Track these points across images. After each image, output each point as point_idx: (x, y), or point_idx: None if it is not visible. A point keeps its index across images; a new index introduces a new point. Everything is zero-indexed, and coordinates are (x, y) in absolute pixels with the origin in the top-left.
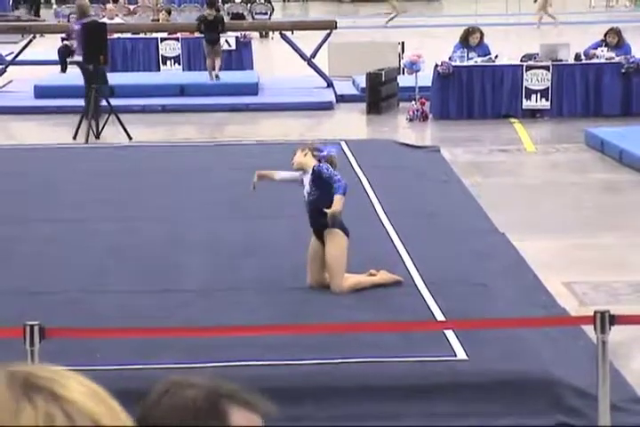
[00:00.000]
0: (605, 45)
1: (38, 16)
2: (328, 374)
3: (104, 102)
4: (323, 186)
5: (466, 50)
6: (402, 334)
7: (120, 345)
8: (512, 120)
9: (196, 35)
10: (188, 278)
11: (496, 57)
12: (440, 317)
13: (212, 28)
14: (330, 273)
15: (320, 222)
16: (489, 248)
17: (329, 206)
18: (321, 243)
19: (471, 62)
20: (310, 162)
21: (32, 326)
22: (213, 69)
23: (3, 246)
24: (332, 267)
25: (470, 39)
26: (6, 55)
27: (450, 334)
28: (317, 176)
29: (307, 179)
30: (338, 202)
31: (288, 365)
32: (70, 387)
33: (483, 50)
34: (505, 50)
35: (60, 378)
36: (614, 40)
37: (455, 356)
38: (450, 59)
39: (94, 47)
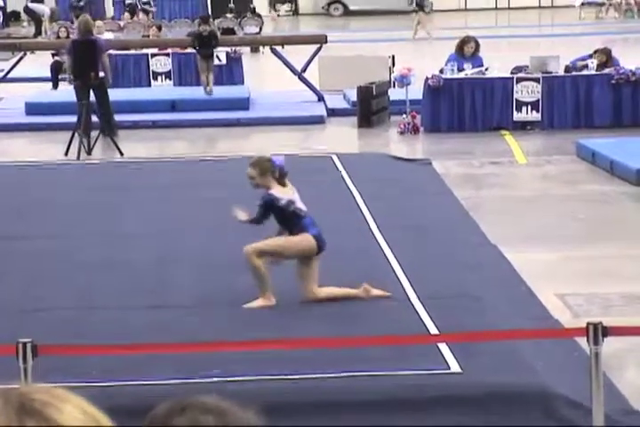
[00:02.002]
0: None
1: (39, 33)
2: (320, 388)
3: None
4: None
5: (456, 63)
6: (395, 348)
7: (113, 362)
8: (503, 132)
9: (187, 50)
10: (180, 294)
11: (486, 69)
12: (433, 330)
13: (206, 43)
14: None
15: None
16: (481, 261)
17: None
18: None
19: (462, 75)
20: (267, 183)
21: (25, 344)
22: (207, 84)
23: None
24: (278, 246)
25: (465, 48)
26: None
27: (443, 347)
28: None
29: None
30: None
31: (281, 380)
32: (65, 411)
33: (477, 61)
34: (495, 62)
35: (56, 401)
36: (602, 59)
37: (449, 369)
38: (441, 71)
39: (84, 64)
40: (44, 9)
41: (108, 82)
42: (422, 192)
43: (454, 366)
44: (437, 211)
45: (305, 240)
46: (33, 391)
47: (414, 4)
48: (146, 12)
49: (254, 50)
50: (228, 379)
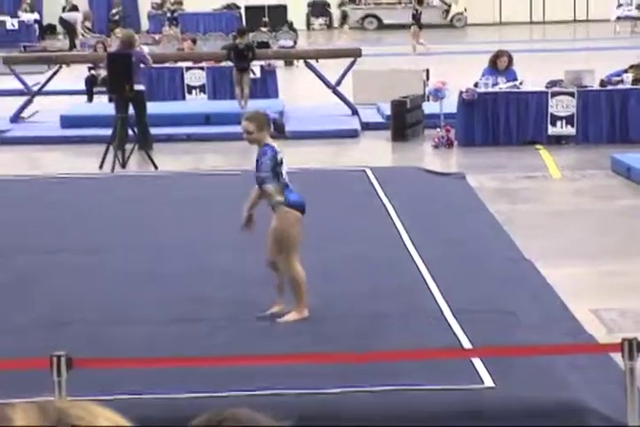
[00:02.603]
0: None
1: (74, 46)
2: (352, 402)
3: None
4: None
5: (490, 77)
6: (428, 362)
7: (145, 374)
8: (537, 147)
9: (222, 64)
10: (212, 308)
11: (521, 83)
12: (467, 344)
13: (242, 56)
14: (276, 248)
15: (269, 201)
16: (515, 275)
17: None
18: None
19: (496, 89)
20: (264, 138)
21: (59, 357)
22: (242, 98)
23: (30, 277)
24: (276, 242)
25: (498, 62)
26: (32, 85)
27: (477, 361)
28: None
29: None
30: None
31: (312, 394)
32: (99, 425)
33: (510, 75)
34: (529, 76)
35: (89, 416)
36: (638, 75)
37: (482, 383)
38: (475, 85)
39: (119, 77)
40: (77, 16)
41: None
42: (456, 206)
43: (488, 381)
44: (471, 225)
45: (291, 217)
46: (69, 406)
47: (412, 18)
48: (175, 24)
49: (289, 63)
50: (260, 392)
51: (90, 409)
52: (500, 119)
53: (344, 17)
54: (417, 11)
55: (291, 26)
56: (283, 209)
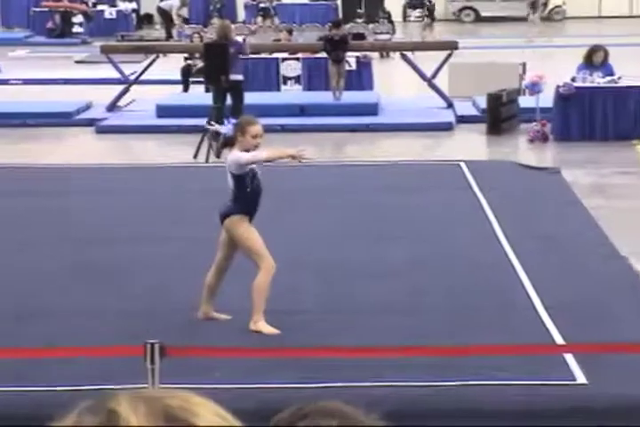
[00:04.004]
0: None
1: (171, 37)
2: (443, 396)
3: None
4: None
5: (588, 71)
6: (520, 358)
7: (237, 364)
8: (635, 142)
9: (317, 55)
10: (305, 300)
11: (619, 78)
12: (559, 340)
13: (337, 47)
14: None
15: None
16: (610, 272)
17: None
18: None
19: (594, 83)
20: None
21: (152, 345)
22: (337, 89)
23: (123, 265)
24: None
25: (594, 58)
26: (129, 75)
27: (569, 358)
28: None
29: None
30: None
31: (405, 387)
32: (204, 417)
33: (606, 70)
34: (628, 71)
35: (193, 407)
36: None
37: (575, 380)
38: (572, 79)
39: (216, 67)
40: (172, 3)
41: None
42: (550, 201)
43: (580, 378)
44: (566, 221)
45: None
46: (168, 397)
47: (426, 10)
48: (269, 15)
49: (384, 55)
50: (351, 384)
51: (191, 400)
52: (597, 114)
53: (430, 12)
54: (430, 2)
55: (388, 17)
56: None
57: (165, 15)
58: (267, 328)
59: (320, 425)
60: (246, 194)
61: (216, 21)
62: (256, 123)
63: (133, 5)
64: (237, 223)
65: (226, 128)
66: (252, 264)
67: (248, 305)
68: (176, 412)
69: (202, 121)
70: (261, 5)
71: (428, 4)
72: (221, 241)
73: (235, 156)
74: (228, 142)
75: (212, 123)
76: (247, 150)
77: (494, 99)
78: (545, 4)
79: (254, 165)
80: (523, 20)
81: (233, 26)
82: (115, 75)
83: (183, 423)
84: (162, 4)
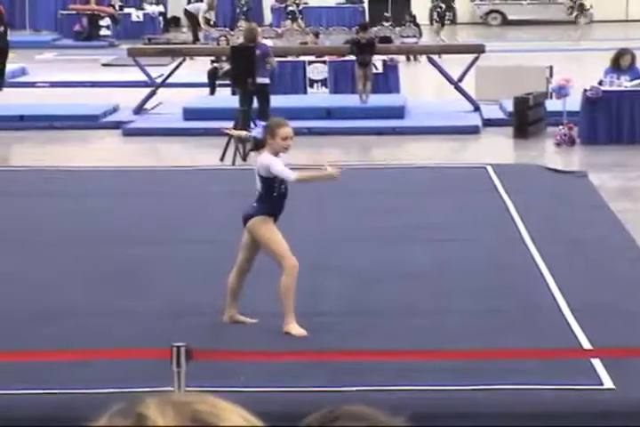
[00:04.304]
0: None
1: (198, 40)
2: (469, 399)
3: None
4: None
5: (615, 74)
6: (547, 361)
7: (262, 367)
8: None
9: (344, 58)
10: (328, 302)
11: None
12: (586, 344)
13: (364, 50)
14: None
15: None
16: (637, 276)
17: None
18: None
19: (621, 87)
20: None
21: (179, 348)
22: (364, 92)
23: (147, 267)
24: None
25: (621, 61)
26: (156, 77)
27: (596, 362)
28: None
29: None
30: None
31: (428, 390)
32: (231, 421)
33: (634, 73)
34: None
35: (221, 412)
36: None
37: (602, 385)
38: (600, 83)
39: (242, 70)
40: (200, 6)
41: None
42: (577, 205)
43: (607, 382)
44: (592, 224)
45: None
46: (196, 402)
47: (436, 15)
48: (296, 18)
49: (413, 59)
50: (376, 388)
51: (220, 405)
52: (624, 118)
53: (441, 17)
54: (441, 8)
55: (413, 20)
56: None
57: (192, 18)
58: (295, 330)
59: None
60: (272, 197)
61: (243, 24)
62: (286, 125)
63: (160, 8)
64: (261, 224)
65: (256, 131)
66: (276, 266)
67: (272, 307)
68: (203, 416)
69: (229, 124)
70: (289, 8)
71: (439, 10)
72: (243, 242)
73: (265, 161)
74: (259, 145)
75: (227, 131)
76: (277, 153)
77: (521, 102)
78: (572, 8)
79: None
80: (550, 23)
81: (260, 29)
82: (141, 78)
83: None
84: (189, 7)
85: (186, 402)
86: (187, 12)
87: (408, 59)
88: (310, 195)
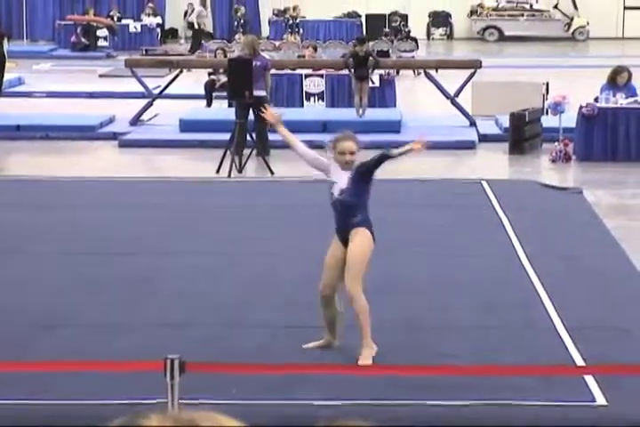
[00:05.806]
0: None
1: (198, 49)
2: (464, 415)
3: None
4: (365, 180)
5: (611, 91)
6: (540, 378)
7: (256, 380)
8: None
9: (341, 72)
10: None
11: None
12: (580, 361)
13: (362, 64)
14: (350, 273)
15: (350, 223)
16: (631, 293)
17: (362, 203)
18: (345, 247)
19: (617, 104)
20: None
21: (172, 360)
22: (360, 106)
23: (144, 278)
24: (353, 266)
25: (618, 78)
26: (153, 89)
27: (589, 379)
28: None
29: (345, 175)
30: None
31: (423, 405)
32: None
33: (630, 90)
34: None
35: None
36: None
37: (594, 401)
38: (596, 100)
39: (239, 83)
40: (195, 14)
41: (267, 100)
42: (572, 221)
43: (600, 399)
44: (587, 241)
45: (369, 239)
46: (199, 417)
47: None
48: (294, 31)
49: (416, 74)
50: (371, 402)
51: (218, 420)
52: (620, 135)
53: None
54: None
55: (408, 35)
56: (365, 232)
57: (194, 29)
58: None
59: None
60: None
61: (240, 37)
62: (343, 140)
63: (158, 20)
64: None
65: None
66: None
67: (268, 320)
68: None
69: (225, 136)
70: (291, 22)
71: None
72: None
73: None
74: None
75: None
76: (342, 167)
77: (517, 118)
78: (569, 25)
79: (333, 181)
80: (546, 39)
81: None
82: (138, 89)
83: None
84: (190, 18)
85: (187, 418)
86: (189, 23)
87: (414, 72)
88: (307, 206)
